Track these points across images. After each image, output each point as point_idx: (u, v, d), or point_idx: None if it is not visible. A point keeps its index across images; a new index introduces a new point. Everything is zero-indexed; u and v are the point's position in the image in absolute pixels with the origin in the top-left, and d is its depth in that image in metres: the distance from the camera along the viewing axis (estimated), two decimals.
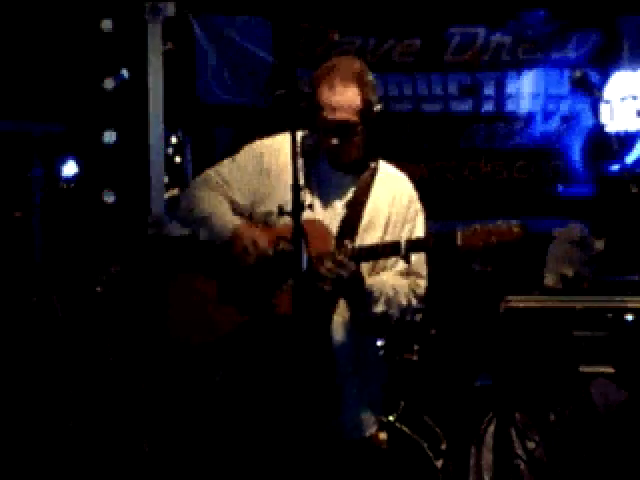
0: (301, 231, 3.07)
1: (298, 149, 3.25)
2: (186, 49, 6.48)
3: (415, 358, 5.29)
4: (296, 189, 3.10)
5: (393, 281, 3.47)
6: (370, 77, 3.49)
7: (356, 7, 6.50)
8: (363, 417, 3.51)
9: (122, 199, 6.12)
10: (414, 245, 3.34)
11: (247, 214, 3.53)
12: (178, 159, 6.49)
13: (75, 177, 6.40)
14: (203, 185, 3.58)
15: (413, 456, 4.92)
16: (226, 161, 3.61)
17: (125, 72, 6.19)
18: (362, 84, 3.43)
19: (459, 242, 3.23)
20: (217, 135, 6.50)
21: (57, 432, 5.58)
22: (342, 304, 3.46)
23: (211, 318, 3.44)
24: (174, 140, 6.51)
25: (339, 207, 3.49)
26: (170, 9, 6.31)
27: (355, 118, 3.41)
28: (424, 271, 3.54)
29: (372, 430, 3.56)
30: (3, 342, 5.80)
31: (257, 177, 3.52)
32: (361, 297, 3.40)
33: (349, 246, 3.36)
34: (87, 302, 5.93)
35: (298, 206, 3.09)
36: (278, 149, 3.52)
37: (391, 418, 4.84)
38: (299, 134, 3.50)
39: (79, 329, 5.82)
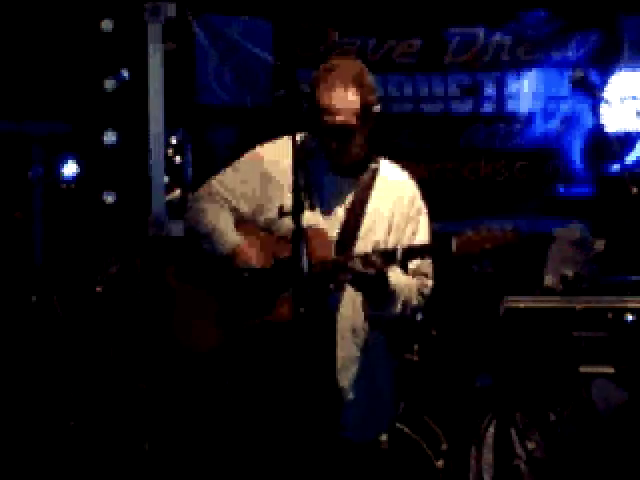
0: (301, 233, 3.08)
1: (298, 151, 3.26)
2: (186, 49, 6.48)
3: (415, 358, 5.29)
4: (296, 190, 3.10)
5: (406, 281, 3.47)
6: (369, 78, 3.47)
7: (356, 7, 6.50)
8: (368, 420, 3.51)
9: (122, 199, 6.12)
10: (410, 252, 3.34)
11: (252, 220, 3.53)
12: (178, 159, 6.49)
13: (75, 177, 6.41)
14: (207, 197, 3.58)
15: (413, 456, 4.92)
16: (228, 169, 3.61)
17: (125, 72, 6.19)
18: (361, 86, 3.41)
19: (454, 249, 3.24)
20: (217, 135, 6.49)
21: (58, 432, 5.59)
22: (349, 306, 3.47)
23: (214, 326, 3.46)
24: (174, 140, 6.51)
25: (340, 213, 3.49)
26: (170, 9, 6.32)
27: (354, 121, 3.40)
28: (430, 271, 3.54)
29: (378, 435, 3.57)
30: (3, 342, 5.80)
31: (259, 184, 3.52)
32: (383, 298, 3.40)
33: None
34: (87, 302, 5.93)
35: (298, 206, 3.09)
36: (279, 154, 3.49)
37: None
38: (299, 136, 3.48)
39: (79, 329, 5.82)
